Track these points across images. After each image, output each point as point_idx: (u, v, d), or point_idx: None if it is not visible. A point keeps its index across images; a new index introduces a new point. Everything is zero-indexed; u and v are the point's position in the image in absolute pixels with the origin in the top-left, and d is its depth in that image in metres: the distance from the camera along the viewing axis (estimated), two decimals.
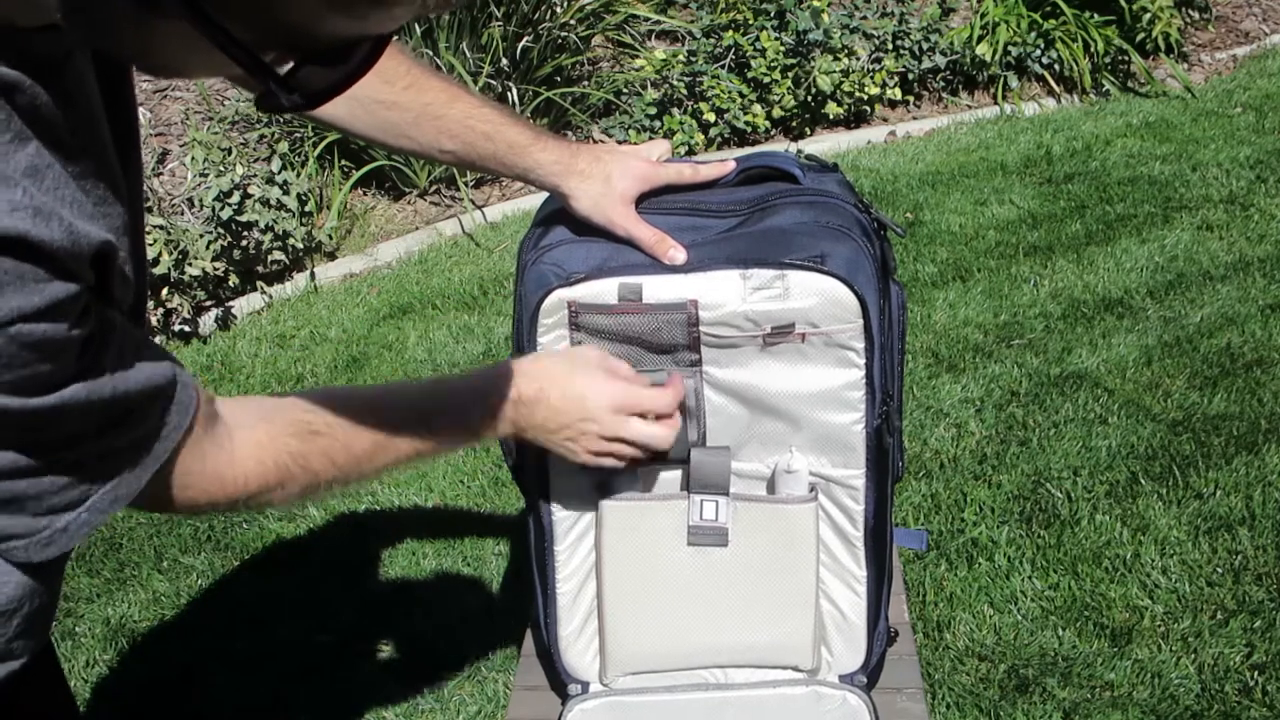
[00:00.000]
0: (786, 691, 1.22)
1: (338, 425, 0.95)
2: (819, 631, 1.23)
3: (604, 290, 1.10)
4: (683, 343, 1.11)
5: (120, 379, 0.73)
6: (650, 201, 1.15)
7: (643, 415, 1.08)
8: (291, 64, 0.62)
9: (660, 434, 1.08)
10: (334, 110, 1.11)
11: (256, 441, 0.90)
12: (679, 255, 1.09)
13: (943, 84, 4.48)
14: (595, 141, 4.09)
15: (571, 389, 1.06)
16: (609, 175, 1.13)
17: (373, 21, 0.60)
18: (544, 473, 1.21)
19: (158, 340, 3.27)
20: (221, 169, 3.38)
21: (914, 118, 4.38)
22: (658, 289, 1.09)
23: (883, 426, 1.15)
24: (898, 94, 4.29)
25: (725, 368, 1.13)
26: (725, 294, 1.09)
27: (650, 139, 4.06)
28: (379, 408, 0.99)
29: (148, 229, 3.15)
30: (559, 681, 1.27)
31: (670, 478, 1.21)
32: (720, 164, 1.20)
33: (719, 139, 4.12)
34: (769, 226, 1.12)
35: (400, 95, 1.11)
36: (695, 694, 1.23)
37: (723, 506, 1.16)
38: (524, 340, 1.13)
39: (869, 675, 1.25)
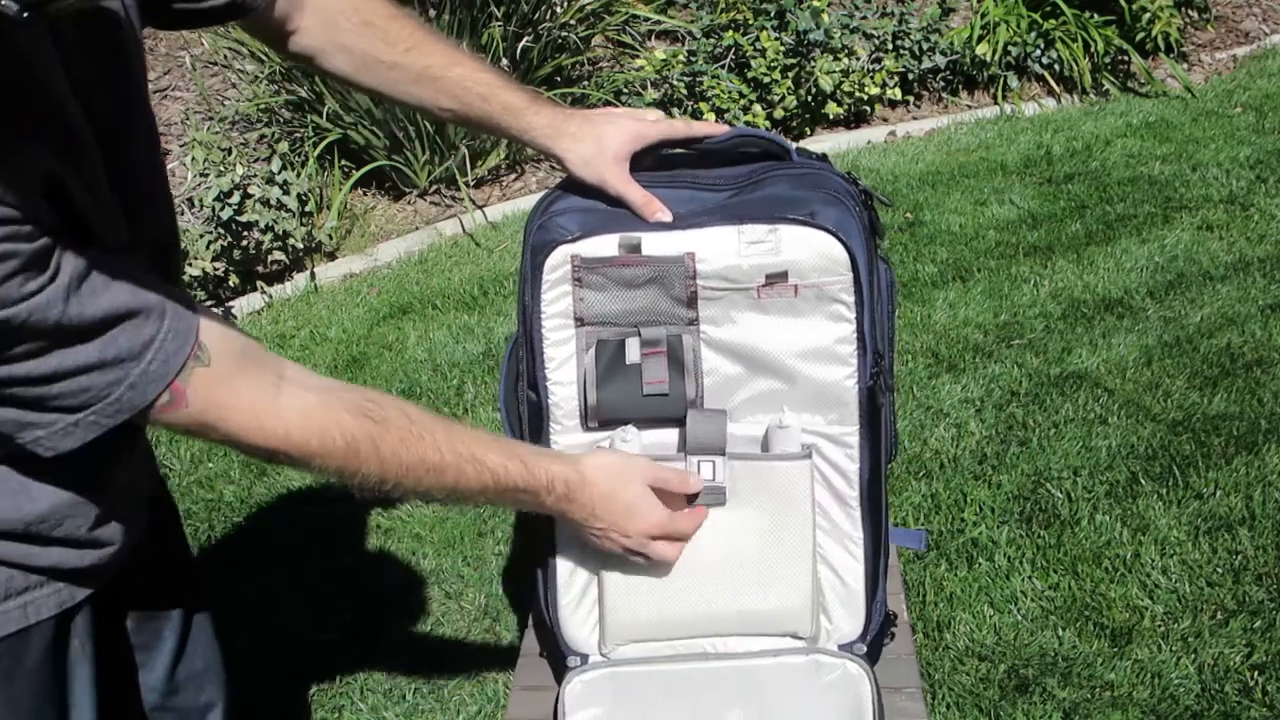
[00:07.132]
0: (786, 660, 1.23)
1: (397, 424, 0.99)
2: (817, 597, 1.24)
3: (605, 245, 1.16)
4: (680, 298, 1.17)
5: (75, 302, 0.78)
6: (653, 175, 1.21)
7: (667, 538, 1.19)
8: None
9: (673, 557, 1.20)
10: (340, 66, 1.19)
11: (308, 402, 0.94)
12: (665, 216, 1.16)
13: (943, 84, 4.48)
14: None
15: (624, 499, 1.16)
16: (600, 135, 1.20)
17: None
18: (543, 444, 1.24)
19: None
20: (221, 169, 3.38)
21: (914, 118, 4.38)
22: (656, 244, 1.15)
23: (875, 386, 1.19)
24: (898, 94, 4.29)
25: (721, 326, 1.18)
26: (721, 248, 1.15)
27: None
28: (441, 427, 1.04)
29: None
30: (559, 655, 1.28)
31: (667, 440, 1.22)
32: (712, 124, 1.26)
33: None
34: (763, 195, 1.18)
35: (401, 57, 1.17)
36: (695, 664, 1.23)
37: (720, 466, 1.19)
38: (528, 297, 1.18)
39: (869, 645, 1.25)
